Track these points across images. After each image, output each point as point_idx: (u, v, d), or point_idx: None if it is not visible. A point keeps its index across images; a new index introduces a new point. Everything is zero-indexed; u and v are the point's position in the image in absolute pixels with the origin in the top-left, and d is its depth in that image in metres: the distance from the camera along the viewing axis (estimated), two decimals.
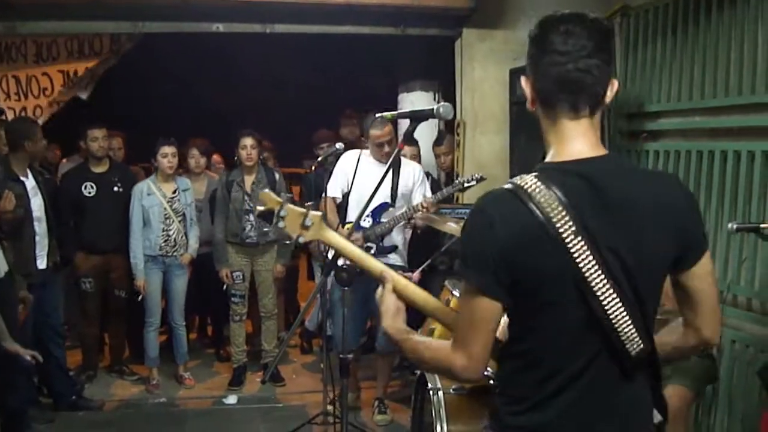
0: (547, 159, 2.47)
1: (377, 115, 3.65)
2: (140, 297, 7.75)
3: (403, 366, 8.27)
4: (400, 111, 3.63)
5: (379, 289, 2.86)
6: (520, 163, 7.08)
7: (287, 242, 3.05)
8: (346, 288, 5.39)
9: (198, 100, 11.51)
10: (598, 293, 2.34)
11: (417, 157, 7.91)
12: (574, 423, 2.44)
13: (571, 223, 2.31)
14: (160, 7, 7.35)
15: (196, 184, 8.41)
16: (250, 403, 7.67)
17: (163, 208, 7.73)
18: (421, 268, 6.46)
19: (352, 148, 6.95)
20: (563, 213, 2.31)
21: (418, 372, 5.46)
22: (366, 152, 6.85)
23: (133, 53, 8.56)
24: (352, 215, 6.55)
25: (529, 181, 2.37)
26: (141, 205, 7.67)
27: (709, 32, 6.52)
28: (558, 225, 2.30)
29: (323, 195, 6.99)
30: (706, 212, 6.29)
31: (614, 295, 2.34)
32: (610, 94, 2.45)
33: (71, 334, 8.66)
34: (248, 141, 7.74)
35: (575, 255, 2.31)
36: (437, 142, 8.18)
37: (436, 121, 8.94)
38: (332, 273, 4.76)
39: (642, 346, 2.41)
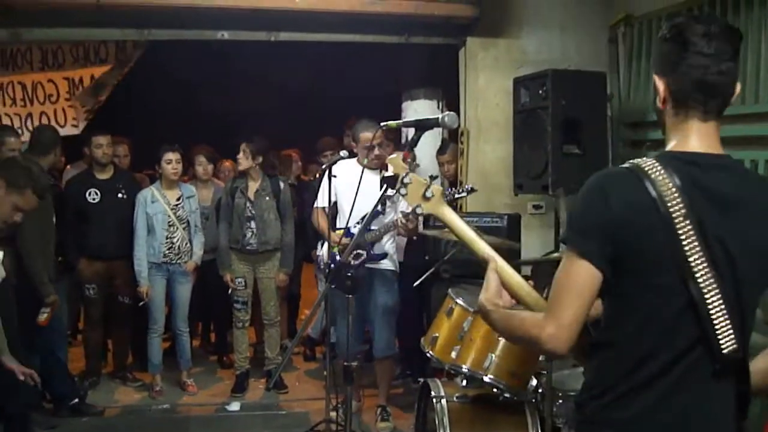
0: (668, 148, 2.49)
1: (381, 123, 3.64)
2: (142, 303, 7.74)
3: (405, 374, 8.29)
4: (405, 120, 3.64)
5: (488, 269, 2.79)
6: (523, 172, 7.09)
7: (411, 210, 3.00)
8: (349, 296, 5.40)
9: (203, 107, 11.50)
10: (699, 278, 2.33)
11: (409, 166, 7.91)
12: (661, 420, 2.41)
13: (682, 206, 2.32)
14: (165, 14, 7.36)
15: (203, 191, 8.43)
16: (253, 410, 7.66)
17: (167, 215, 7.74)
18: (423, 277, 6.45)
19: (355, 156, 6.96)
20: (676, 195, 2.33)
21: (421, 380, 5.48)
22: (353, 161, 6.85)
23: (138, 60, 8.58)
24: (342, 222, 6.57)
25: (648, 162, 2.39)
26: (145, 213, 7.69)
27: None
28: (669, 205, 2.32)
29: (317, 205, 7.09)
30: None
31: (714, 284, 2.34)
32: (735, 97, 2.50)
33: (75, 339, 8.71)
34: (241, 147, 7.79)
35: (682, 236, 2.33)
36: (441, 151, 8.18)
37: (439, 129, 8.97)
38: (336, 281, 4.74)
39: (735, 345, 2.37)
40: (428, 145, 8.30)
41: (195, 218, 8.00)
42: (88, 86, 8.47)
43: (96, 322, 8.05)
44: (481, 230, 5.69)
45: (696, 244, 2.32)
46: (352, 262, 6.62)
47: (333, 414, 6.47)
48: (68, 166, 9.04)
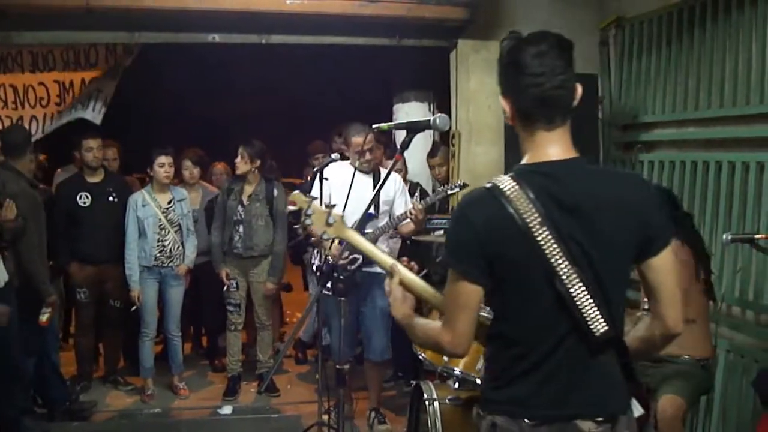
0: (523, 162, 2.82)
1: (373, 125, 3.66)
2: (134, 308, 7.72)
3: (397, 376, 8.28)
4: (396, 122, 3.64)
5: (387, 279, 3.14)
6: None
7: (313, 239, 3.29)
8: (342, 298, 5.40)
9: (194, 110, 11.51)
10: (563, 277, 2.67)
11: (402, 170, 7.91)
12: (548, 396, 2.77)
13: (536, 215, 2.66)
14: (156, 17, 7.33)
15: (191, 195, 8.39)
16: (245, 414, 7.65)
17: (158, 218, 7.72)
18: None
19: (346, 159, 6.94)
20: (530, 207, 2.66)
21: (414, 382, 5.47)
22: (345, 163, 6.81)
23: (129, 63, 8.57)
24: None
25: (504, 180, 2.73)
26: (136, 216, 7.67)
27: (703, 43, 6.56)
28: (525, 217, 2.66)
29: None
30: (700, 223, 6.32)
31: (577, 279, 2.67)
32: (576, 100, 2.78)
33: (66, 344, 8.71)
34: (239, 150, 7.78)
35: (541, 242, 2.66)
36: (432, 154, 8.18)
37: (430, 132, 8.95)
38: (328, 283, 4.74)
39: (606, 327, 2.71)
40: (419, 147, 8.30)
41: (187, 221, 7.98)
42: (81, 95, 8.46)
43: (87, 326, 8.02)
44: None
45: (555, 246, 2.66)
46: (348, 267, 6.64)
47: (325, 417, 6.47)
48: (59, 170, 9.02)
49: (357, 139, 6.69)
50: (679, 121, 6.95)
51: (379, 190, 3.79)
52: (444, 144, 8.24)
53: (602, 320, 2.70)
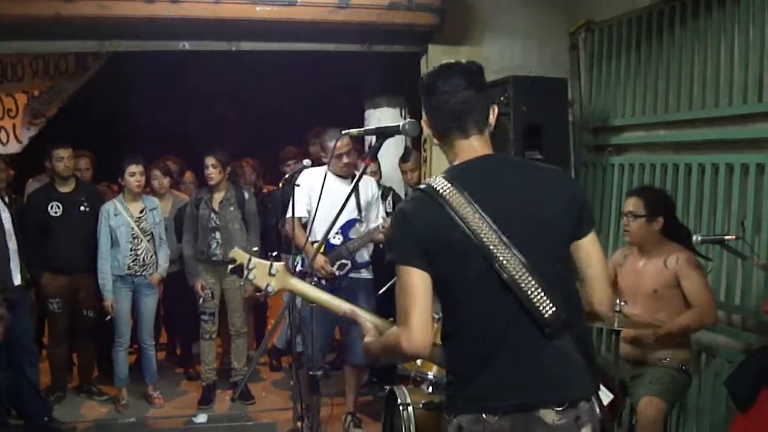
0: (452, 165, 3.08)
1: (343, 131, 3.68)
2: (108, 317, 7.69)
3: (372, 381, 8.28)
4: (366, 128, 3.67)
5: (366, 338, 3.22)
6: None
7: (257, 294, 3.39)
8: (313, 304, 5.41)
9: (166, 119, 11.43)
10: (505, 263, 2.84)
11: (377, 174, 7.94)
12: (507, 385, 2.87)
13: (469, 208, 2.87)
14: (125, 25, 7.28)
15: (162, 203, 8.34)
16: (220, 422, 7.63)
17: (130, 227, 7.69)
18: (389, 284, 6.47)
19: (319, 165, 6.93)
20: (464, 203, 2.87)
21: (388, 387, 5.48)
22: (320, 169, 6.72)
23: (99, 72, 8.55)
24: (318, 233, 6.53)
25: (438, 181, 2.96)
26: (108, 225, 7.63)
27: (672, 46, 6.61)
28: (462, 212, 2.86)
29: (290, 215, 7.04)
30: None
31: (518, 264, 2.85)
32: (492, 117, 3.15)
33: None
34: (210, 161, 7.74)
35: (480, 234, 2.85)
36: (404, 159, 8.20)
37: (402, 137, 8.96)
38: None
39: (554, 308, 2.86)
40: (391, 153, 8.32)
41: (159, 230, 7.95)
42: (43, 92, 8.43)
43: (60, 337, 7.98)
44: None
45: (493, 236, 2.85)
46: (337, 273, 6.65)
47: (299, 424, 6.47)
48: (30, 179, 8.98)
49: (334, 144, 6.70)
50: (649, 124, 6.99)
51: (349, 196, 3.79)
52: (416, 149, 8.25)
53: (548, 302, 2.86)
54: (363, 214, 6.83)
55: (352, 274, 6.79)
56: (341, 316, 3.31)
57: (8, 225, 6.78)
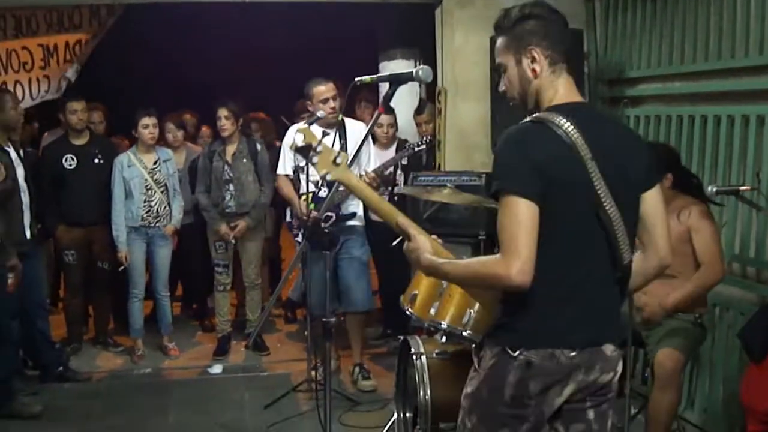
0: (553, 103, 3.06)
1: (357, 79, 3.65)
2: (122, 268, 7.74)
3: (386, 333, 8.31)
4: (380, 75, 3.64)
5: (426, 254, 3.15)
6: (502, 131, 7.07)
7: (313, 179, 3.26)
8: (327, 252, 5.41)
9: (179, 73, 11.44)
10: (607, 207, 2.92)
11: (393, 126, 7.91)
12: (584, 322, 2.99)
13: (587, 149, 2.89)
14: None
15: (176, 156, 8.33)
16: (235, 372, 7.70)
17: (144, 179, 7.71)
18: (401, 238, 6.45)
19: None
20: (582, 141, 2.89)
21: (401, 337, 5.49)
22: (312, 127, 6.55)
23: (112, 26, 8.53)
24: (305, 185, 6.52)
25: (552, 115, 2.94)
26: (122, 177, 7.66)
27: None
28: (580, 149, 2.88)
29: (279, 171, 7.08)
30: None
31: (617, 212, 2.93)
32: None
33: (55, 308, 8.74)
34: (222, 112, 7.73)
35: (592, 174, 2.89)
36: (418, 111, 8.18)
37: (416, 89, 8.94)
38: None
39: (630, 257, 3.03)
40: (406, 105, 8.29)
41: (173, 181, 7.97)
42: (80, 56, 8.45)
43: (76, 289, 8.04)
44: (460, 188, 5.72)
45: (601, 180, 2.90)
46: (323, 224, 6.60)
47: (313, 374, 6.51)
48: (46, 133, 8.99)
49: (319, 88, 6.69)
50: (664, 76, 6.93)
51: (361, 146, 3.79)
52: (430, 101, 8.22)
53: (628, 249, 3.02)
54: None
55: (339, 224, 6.76)
56: (394, 226, 3.25)
57: (21, 179, 6.78)
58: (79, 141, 7.80)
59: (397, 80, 3.45)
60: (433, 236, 3.33)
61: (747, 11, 5.89)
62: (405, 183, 7.35)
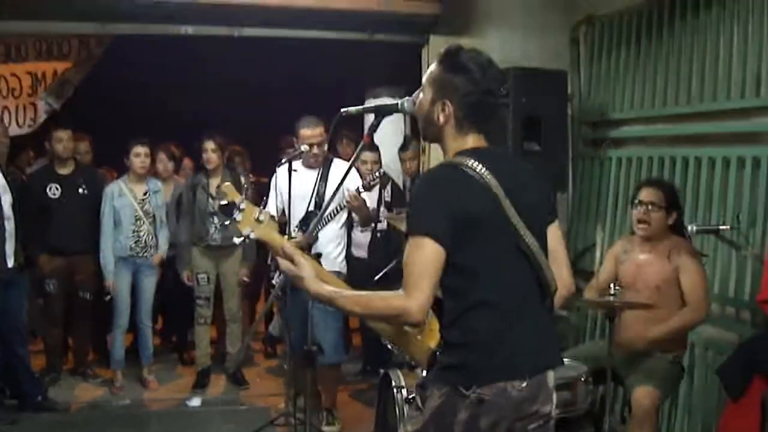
0: (464, 148, 3.14)
1: (342, 110, 3.67)
2: (108, 297, 7.74)
3: (366, 369, 8.31)
4: (365, 106, 3.67)
5: (308, 280, 3.15)
6: None
7: (236, 240, 3.27)
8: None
9: (166, 105, 11.44)
10: (527, 239, 3.03)
11: (378, 163, 7.91)
12: (529, 351, 3.06)
13: (499, 188, 2.99)
14: (128, 8, 7.30)
15: (164, 188, 8.36)
16: (214, 405, 7.66)
17: (134, 209, 7.73)
18: (384, 270, 6.46)
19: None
20: (495, 181, 2.99)
21: (382, 371, 5.50)
22: (297, 162, 6.63)
23: (101, 57, 8.58)
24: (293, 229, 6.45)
25: (466, 159, 3.03)
26: (112, 206, 7.68)
27: (672, 41, 6.64)
28: (494, 188, 2.98)
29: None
30: None
31: (533, 241, 3.05)
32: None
33: (35, 338, 8.69)
34: (209, 145, 7.77)
35: (507, 212, 3.00)
36: (403, 148, 8.23)
37: (401, 126, 9.00)
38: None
39: (555, 282, 3.15)
40: (390, 143, 8.34)
41: (161, 213, 8.00)
42: (52, 84, 8.48)
43: (56, 318, 8.01)
44: None
45: (516, 215, 3.01)
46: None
47: (292, 409, 6.48)
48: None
49: (306, 132, 6.61)
50: (647, 118, 7.02)
51: (340, 184, 3.81)
52: (415, 138, 8.27)
53: (552, 275, 3.14)
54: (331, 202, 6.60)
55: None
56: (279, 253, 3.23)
57: (7, 207, 6.79)
58: (65, 170, 7.82)
59: (382, 112, 3.48)
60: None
61: (729, 55, 6.00)
62: (388, 209, 7.40)
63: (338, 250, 6.81)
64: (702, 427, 5.91)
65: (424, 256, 2.89)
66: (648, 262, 5.43)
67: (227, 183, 3.47)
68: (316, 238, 6.33)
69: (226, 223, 3.20)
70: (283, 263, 3.16)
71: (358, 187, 6.42)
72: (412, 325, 3.05)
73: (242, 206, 3.29)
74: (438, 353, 3.17)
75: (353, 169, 6.66)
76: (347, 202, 6.41)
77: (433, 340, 3.34)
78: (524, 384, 3.00)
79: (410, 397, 4.85)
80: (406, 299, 2.88)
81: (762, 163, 5.59)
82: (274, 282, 6.97)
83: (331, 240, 6.68)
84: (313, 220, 6.39)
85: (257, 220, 3.30)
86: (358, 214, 6.72)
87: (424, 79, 3.25)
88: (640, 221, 5.45)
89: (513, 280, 3.05)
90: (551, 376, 3.17)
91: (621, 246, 5.72)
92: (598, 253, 6.09)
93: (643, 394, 5.08)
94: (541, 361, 3.13)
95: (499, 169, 3.03)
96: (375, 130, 3.54)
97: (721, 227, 5.08)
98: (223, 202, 3.44)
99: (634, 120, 7.21)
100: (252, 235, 3.31)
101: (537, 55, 7.75)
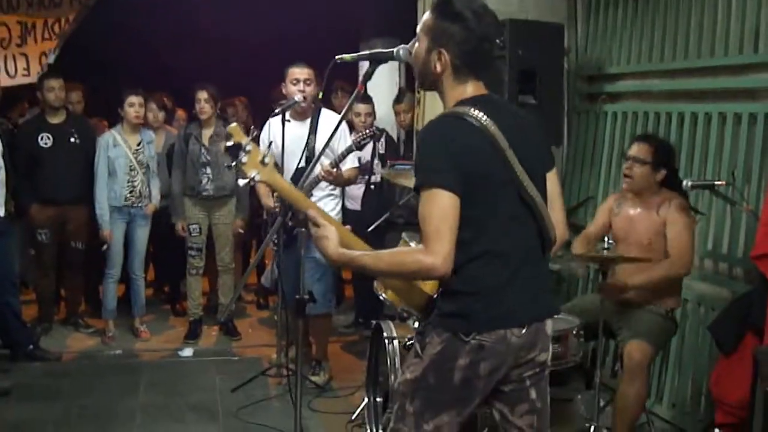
0: (462, 98, 3.13)
1: (337, 57, 3.62)
2: (105, 247, 7.73)
3: (358, 322, 8.32)
4: (360, 53, 3.62)
5: (332, 245, 3.16)
6: None
7: (241, 182, 3.21)
8: (303, 229, 5.37)
9: (158, 57, 11.38)
10: (528, 188, 3.06)
11: (371, 115, 7.88)
12: (528, 300, 3.11)
13: (503, 138, 2.99)
14: None
15: (156, 138, 8.31)
16: (206, 356, 7.69)
17: (128, 159, 7.69)
18: (377, 223, 6.44)
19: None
20: (498, 131, 2.99)
21: (374, 322, 5.49)
22: (287, 114, 6.52)
23: (93, 10, 8.52)
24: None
25: (467, 108, 3.03)
26: (107, 156, 7.64)
27: None
28: (498, 139, 2.99)
29: None
30: None
31: (534, 191, 3.08)
32: None
33: (27, 288, 8.69)
34: (202, 95, 7.72)
35: (510, 159, 3.01)
36: (397, 100, 8.19)
37: (396, 79, 8.95)
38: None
39: (554, 231, 3.21)
40: (385, 95, 8.30)
41: (153, 163, 7.98)
42: (57, 43, 8.43)
43: (48, 268, 7.99)
44: None
45: (519, 165, 3.02)
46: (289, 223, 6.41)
47: (284, 360, 6.48)
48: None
49: (293, 69, 6.56)
50: (643, 73, 6.97)
51: (330, 137, 3.81)
52: (410, 90, 8.23)
53: (552, 224, 3.19)
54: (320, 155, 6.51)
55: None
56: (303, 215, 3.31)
57: None
58: (56, 119, 7.76)
59: (377, 59, 3.45)
60: (347, 226, 3.45)
61: (727, 10, 5.95)
62: (382, 164, 7.36)
63: (332, 204, 6.72)
64: (693, 382, 5.92)
65: (441, 207, 2.90)
66: (639, 216, 5.44)
67: (233, 124, 3.40)
68: (310, 195, 6.34)
69: (232, 164, 3.13)
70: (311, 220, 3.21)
71: (331, 161, 6.30)
72: (437, 278, 3.02)
73: (248, 148, 3.25)
74: (436, 300, 3.17)
75: (344, 123, 6.65)
76: (322, 177, 6.32)
77: (428, 286, 3.29)
78: (523, 331, 3.07)
79: (409, 343, 4.83)
80: (430, 253, 2.89)
81: (759, 119, 5.56)
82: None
83: (324, 195, 6.64)
84: (303, 176, 6.34)
85: (262, 162, 3.25)
86: (335, 185, 6.64)
87: (418, 28, 3.21)
88: (624, 175, 5.48)
89: (516, 230, 3.09)
90: (549, 325, 3.23)
91: (614, 200, 5.72)
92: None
93: (634, 348, 5.08)
94: (540, 309, 3.18)
95: (500, 117, 3.03)
96: (369, 78, 3.51)
97: (716, 183, 5.06)
98: (229, 143, 3.35)
99: (631, 75, 7.16)
100: (257, 178, 3.26)
101: (534, 8, 7.66)
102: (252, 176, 3.26)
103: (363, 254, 3.13)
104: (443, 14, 3.11)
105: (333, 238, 3.14)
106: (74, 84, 8.45)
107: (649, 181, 5.37)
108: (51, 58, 8.55)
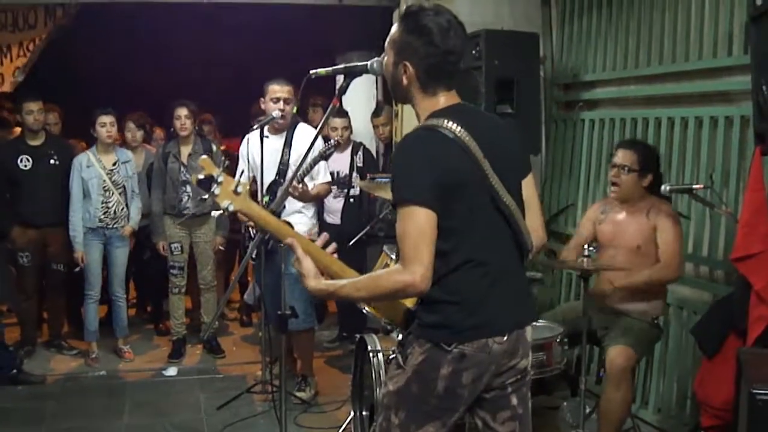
0: (437, 108, 3.14)
1: (311, 71, 3.62)
2: (78, 269, 7.68)
3: (342, 336, 8.31)
4: (335, 67, 3.62)
5: (312, 279, 3.15)
6: None
7: (214, 214, 3.24)
8: (281, 245, 5.35)
9: (134, 75, 11.39)
10: (504, 199, 3.08)
11: (348, 129, 7.88)
12: (508, 308, 3.14)
13: (478, 148, 3.02)
14: None
15: (135, 157, 8.29)
16: (191, 375, 7.66)
17: (102, 180, 7.64)
18: (358, 237, 6.44)
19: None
20: (473, 142, 3.01)
21: (358, 336, 5.49)
22: (266, 129, 6.47)
23: (67, 27, 8.50)
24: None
25: (444, 122, 3.03)
26: (81, 177, 7.60)
27: (643, 1, 6.61)
28: (473, 150, 3.01)
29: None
30: None
31: (510, 200, 3.10)
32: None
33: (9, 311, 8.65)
34: (182, 111, 7.72)
35: (486, 170, 3.03)
36: (375, 113, 8.21)
37: (373, 92, 8.95)
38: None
39: (531, 240, 3.23)
40: (362, 108, 8.30)
41: (132, 183, 7.92)
42: (26, 63, 8.43)
43: (30, 291, 7.95)
44: None
45: (494, 175, 3.05)
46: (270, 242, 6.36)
47: (268, 377, 6.46)
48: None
49: (273, 86, 6.55)
50: (620, 79, 7.01)
51: (306, 153, 3.80)
52: (387, 104, 8.24)
53: (528, 233, 3.21)
54: (288, 171, 6.46)
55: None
56: (283, 245, 3.31)
57: None
58: (35, 141, 7.73)
59: (351, 72, 3.45)
60: (329, 248, 3.36)
61: (701, 15, 5.99)
62: (361, 177, 7.36)
63: (304, 218, 6.65)
64: (677, 386, 5.95)
65: (418, 225, 2.90)
66: (627, 221, 5.45)
67: (204, 156, 3.41)
68: (283, 207, 6.35)
69: (205, 197, 3.10)
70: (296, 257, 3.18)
71: (297, 177, 6.22)
72: (417, 295, 3.00)
73: (220, 179, 3.23)
74: (416, 311, 3.16)
75: (319, 138, 6.60)
76: (288, 192, 6.25)
77: (410, 301, 3.29)
78: (505, 339, 3.09)
79: (391, 357, 4.83)
80: (408, 272, 2.89)
81: (735, 121, 5.59)
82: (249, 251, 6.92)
83: (296, 210, 6.60)
84: (278, 189, 6.37)
85: (235, 191, 3.24)
86: (301, 200, 6.56)
87: (386, 41, 3.22)
88: (611, 183, 5.49)
89: (493, 240, 3.11)
90: (529, 331, 3.26)
91: (598, 209, 5.72)
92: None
93: (617, 353, 5.09)
94: (520, 316, 3.21)
95: (474, 127, 3.05)
96: (344, 92, 3.51)
97: (694, 186, 5.07)
98: (200, 176, 3.29)
99: (607, 81, 7.20)
100: (230, 208, 3.24)
101: (509, 18, 7.70)
102: (225, 206, 3.24)
103: (343, 284, 3.11)
104: (408, 28, 3.12)
105: (310, 273, 3.14)
106: (51, 105, 8.44)
107: (636, 188, 5.39)
108: (20, 77, 8.53)
